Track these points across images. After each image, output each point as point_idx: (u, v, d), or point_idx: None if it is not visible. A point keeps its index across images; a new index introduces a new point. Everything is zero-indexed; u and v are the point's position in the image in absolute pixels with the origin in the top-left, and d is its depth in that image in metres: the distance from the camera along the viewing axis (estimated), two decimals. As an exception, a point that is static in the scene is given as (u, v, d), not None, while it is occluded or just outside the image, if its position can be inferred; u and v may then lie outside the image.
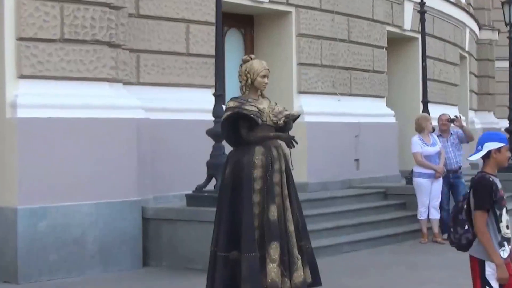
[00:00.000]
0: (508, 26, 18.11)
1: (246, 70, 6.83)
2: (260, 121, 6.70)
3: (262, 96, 6.99)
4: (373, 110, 14.81)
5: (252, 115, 6.68)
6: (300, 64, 13.22)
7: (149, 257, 10.01)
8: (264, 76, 6.85)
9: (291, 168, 6.89)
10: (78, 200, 9.35)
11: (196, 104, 10.95)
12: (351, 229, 11.63)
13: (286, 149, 6.93)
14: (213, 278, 6.64)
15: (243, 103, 6.75)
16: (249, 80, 6.82)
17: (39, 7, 9.19)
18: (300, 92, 13.25)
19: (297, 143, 6.78)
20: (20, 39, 9.14)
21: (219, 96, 9.63)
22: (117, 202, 9.68)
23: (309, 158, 13.10)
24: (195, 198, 9.63)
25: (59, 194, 9.21)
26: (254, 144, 6.71)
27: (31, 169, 9.06)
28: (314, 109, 13.33)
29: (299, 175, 12.95)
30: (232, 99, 6.92)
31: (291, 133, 7.02)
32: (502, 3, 18.55)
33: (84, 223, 9.41)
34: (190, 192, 9.81)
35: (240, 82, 6.91)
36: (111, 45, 9.81)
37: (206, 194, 9.53)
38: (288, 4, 13.10)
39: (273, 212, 6.55)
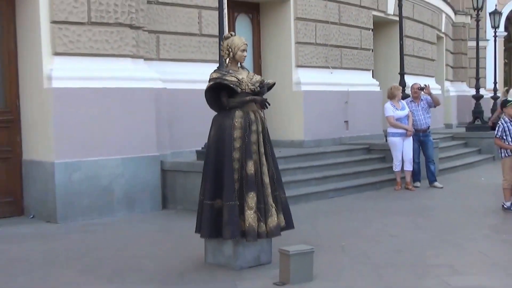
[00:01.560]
0: (475, 11, 17.21)
1: (228, 45, 6.26)
2: (239, 89, 6.17)
3: (242, 67, 6.42)
4: (361, 81, 14.20)
5: (232, 85, 6.14)
6: (298, 43, 12.62)
7: (167, 201, 9.71)
8: (243, 50, 6.28)
9: (266, 129, 6.33)
10: (107, 155, 9.02)
11: (207, 76, 10.29)
12: (338, 178, 11.19)
13: (263, 114, 6.38)
14: (200, 222, 6.22)
15: (224, 74, 6.21)
16: (231, 54, 6.26)
17: (69, -5, 8.71)
18: (298, 66, 12.66)
19: (269, 105, 6.24)
20: (54, 22, 8.65)
21: (222, 69, 9.08)
22: (140, 157, 9.35)
23: (306, 120, 12.61)
24: (204, 154, 9.12)
25: (90, 151, 8.88)
26: (234, 108, 6.19)
27: (66, 130, 8.67)
28: (310, 80, 12.77)
29: (297, 134, 12.63)
30: (215, 70, 6.42)
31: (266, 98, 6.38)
32: (472, -8, 17.65)
33: (112, 174, 9.07)
34: (200, 148, 9.46)
35: (223, 56, 6.35)
36: (132, 27, 9.31)
37: (212, 150, 9.08)
38: (288, -7, 12.50)
39: (250, 167, 6.06)
